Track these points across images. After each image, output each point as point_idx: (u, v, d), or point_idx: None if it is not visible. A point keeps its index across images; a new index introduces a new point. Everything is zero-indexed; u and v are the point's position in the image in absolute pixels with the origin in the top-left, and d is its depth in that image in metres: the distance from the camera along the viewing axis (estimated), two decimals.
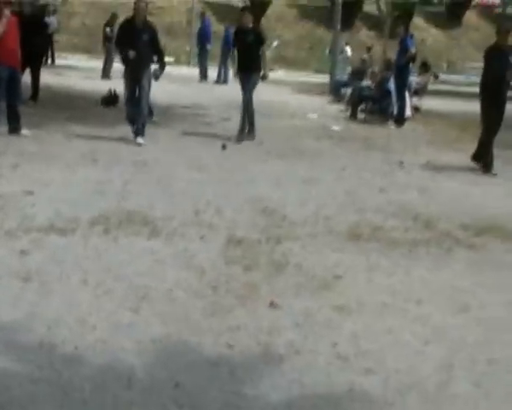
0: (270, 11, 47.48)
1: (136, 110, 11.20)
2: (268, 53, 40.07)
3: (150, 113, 12.31)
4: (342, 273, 5.75)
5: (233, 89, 23.38)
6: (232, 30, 27.29)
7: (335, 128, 14.95)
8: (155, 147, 11.02)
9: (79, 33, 42.93)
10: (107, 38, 23.99)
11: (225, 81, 25.12)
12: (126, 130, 11.58)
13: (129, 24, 11.22)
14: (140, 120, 11.20)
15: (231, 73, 25.59)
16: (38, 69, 15.12)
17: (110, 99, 15.56)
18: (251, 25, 12.46)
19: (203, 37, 26.37)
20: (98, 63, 31.32)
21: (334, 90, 21.96)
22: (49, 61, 29.39)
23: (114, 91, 15.68)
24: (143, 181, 8.57)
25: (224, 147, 11.24)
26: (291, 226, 7.06)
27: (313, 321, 4.77)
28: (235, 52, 12.72)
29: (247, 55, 12.22)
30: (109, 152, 10.28)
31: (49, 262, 5.49)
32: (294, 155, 11.25)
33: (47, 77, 19.63)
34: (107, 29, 24.04)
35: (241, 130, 12.38)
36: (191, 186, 8.45)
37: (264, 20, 47.13)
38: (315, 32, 46.26)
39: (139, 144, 10.98)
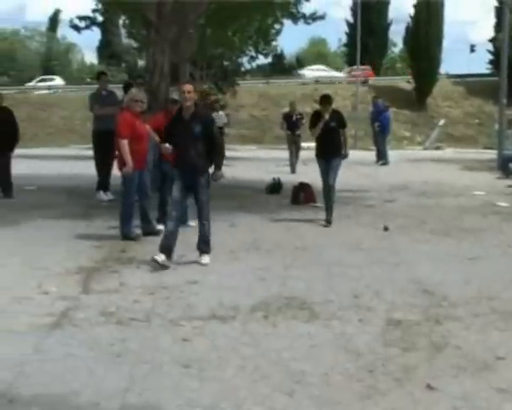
0: (436, 90, 47.27)
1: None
2: (435, 131, 39.92)
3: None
4: (505, 354, 5.55)
5: (396, 169, 23.54)
6: (381, 104, 27.83)
7: (503, 204, 14.55)
8: (316, 231, 11.15)
9: (248, 125, 44.37)
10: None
11: (385, 162, 25.35)
12: (288, 215, 11.77)
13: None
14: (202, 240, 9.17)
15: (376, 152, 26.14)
16: None
17: (274, 187, 15.98)
18: (331, 109, 12.09)
19: (375, 120, 26.72)
20: (265, 153, 32.33)
21: (502, 165, 21.44)
22: None
23: (278, 179, 16.11)
24: (303, 266, 8.68)
25: (386, 228, 11.20)
26: (452, 307, 6.91)
27: (472, 405, 4.63)
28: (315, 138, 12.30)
29: (329, 140, 11.91)
30: (271, 238, 10.49)
31: (209, 349, 5.64)
32: (458, 233, 11.04)
33: None
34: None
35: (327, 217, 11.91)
36: (351, 269, 8.46)
37: (430, 99, 47.03)
38: (483, 108, 45.52)
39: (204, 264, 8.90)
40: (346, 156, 12.13)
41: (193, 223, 11.37)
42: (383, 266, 8.75)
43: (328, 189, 11.91)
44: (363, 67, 49.90)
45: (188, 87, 8.88)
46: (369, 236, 10.80)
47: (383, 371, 5.19)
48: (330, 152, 11.94)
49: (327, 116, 11.90)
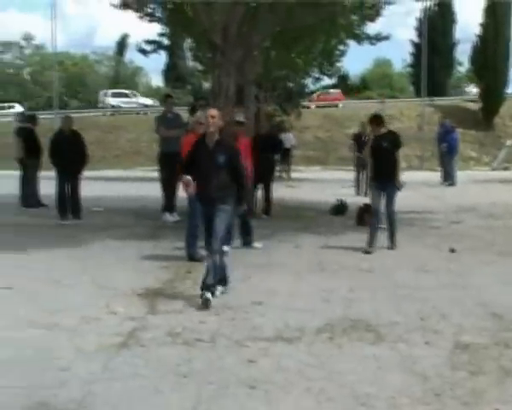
0: (503, 109, 46.55)
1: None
2: (502, 152, 39.26)
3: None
4: None
5: (463, 190, 23.24)
6: (448, 124, 27.58)
7: None
8: (382, 253, 11.07)
9: (313, 146, 44.36)
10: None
11: (452, 183, 25.12)
12: (353, 238, 11.73)
13: None
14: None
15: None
16: (270, 184, 15.79)
17: (339, 208, 15.94)
18: (385, 129, 11.59)
19: (442, 141, 26.52)
20: (330, 174, 32.31)
21: None
22: (285, 174, 30.72)
23: (343, 201, 16.07)
24: (368, 288, 8.63)
25: (452, 250, 11.06)
26: None
27: None
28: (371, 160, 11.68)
29: (382, 162, 11.27)
30: (336, 260, 10.46)
31: (275, 370, 5.65)
32: None
33: (281, 190, 20.54)
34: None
35: (370, 243, 11.27)
36: (416, 291, 8.38)
37: (497, 119, 46.32)
38: None
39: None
40: (399, 188, 11.38)
41: (258, 245, 11.45)
42: (450, 288, 8.65)
43: (388, 215, 11.44)
44: (334, 90, 50.62)
45: (212, 112, 8.31)
46: (436, 257, 10.68)
47: (451, 395, 5.13)
48: (383, 175, 11.24)
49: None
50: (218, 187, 8.06)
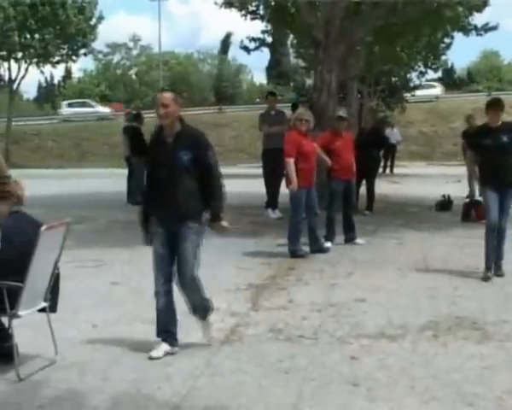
0: None
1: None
2: None
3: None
4: None
5: None
6: None
7: None
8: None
9: (417, 141, 43.77)
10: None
11: None
12: (459, 233, 11.48)
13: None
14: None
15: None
16: (373, 181, 15.64)
17: (444, 204, 15.66)
18: (500, 121, 8.93)
19: None
20: (435, 170, 31.77)
21: None
22: (388, 170, 30.43)
23: (449, 196, 15.78)
24: (474, 285, 8.44)
25: None
26: None
27: None
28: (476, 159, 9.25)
29: (500, 162, 8.79)
30: (441, 256, 10.27)
31: (378, 368, 5.58)
32: None
33: (384, 186, 20.35)
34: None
35: (488, 267, 8.88)
36: None
37: None
38: None
39: None
40: None
41: (361, 241, 11.37)
42: None
43: (499, 231, 8.93)
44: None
45: (164, 98, 5.93)
46: None
47: None
48: (504, 180, 8.83)
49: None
50: (184, 197, 5.92)
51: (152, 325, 6.18)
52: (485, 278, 8.71)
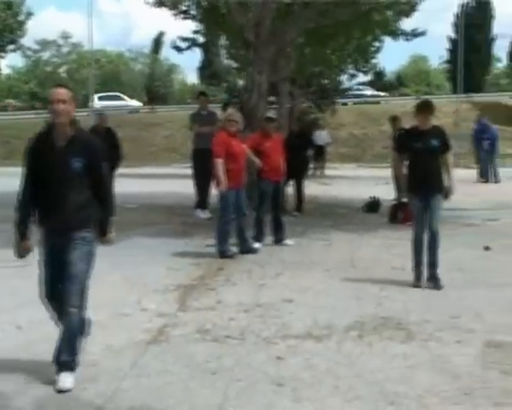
0: None
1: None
2: None
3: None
4: None
5: (500, 187, 22.98)
6: (485, 121, 27.26)
7: None
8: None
9: (348, 143, 44.24)
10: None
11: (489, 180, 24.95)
12: (386, 234, 11.64)
13: None
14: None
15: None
16: (302, 182, 15.74)
17: (372, 205, 15.87)
18: (430, 124, 8.71)
19: (479, 138, 26.31)
20: (365, 172, 32.18)
21: None
22: (319, 172, 30.70)
23: (376, 198, 16.00)
24: (400, 286, 8.55)
25: (486, 248, 10.94)
26: None
27: None
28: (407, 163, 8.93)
29: (428, 167, 8.59)
30: (368, 257, 10.42)
31: (303, 368, 5.63)
32: None
33: (315, 187, 20.53)
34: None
35: (417, 277, 8.65)
36: (449, 289, 8.28)
37: None
38: None
39: None
40: (447, 195, 8.78)
41: (290, 242, 11.44)
42: (483, 286, 8.55)
43: (431, 235, 8.64)
44: None
45: (59, 94, 5.30)
46: (470, 256, 10.56)
47: (481, 394, 5.06)
48: (430, 185, 8.59)
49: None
50: (75, 206, 5.33)
51: None
52: (415, 286, 8.49)
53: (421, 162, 8.57)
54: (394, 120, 15.97)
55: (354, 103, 51.29)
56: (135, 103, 58.62)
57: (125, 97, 58.77)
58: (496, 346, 6.18)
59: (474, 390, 5.13)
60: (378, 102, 52.71)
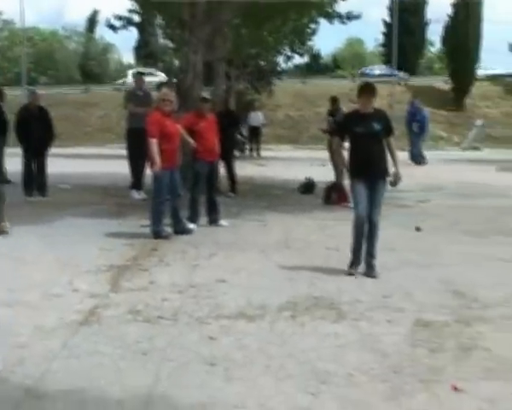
0: (474, 89, 46.84)
1: None
2: (472, 132, 39.56)
3: None
4: None
5: (432, 169, 23.36)
6: (418, 104, 27.82)
7: None
8: (347, 231, 10.98)
9: (284, 125, 44.37)
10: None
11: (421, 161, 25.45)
12: (320, 215, 11.72)
13: None
14: None
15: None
16: (231, 162, 15.62)
17: (307, 186, 15.96)
18: (371, 108, 8.29)
19: (411, 120, 26.66)
20: (301, 153, 32.33)
21: None
22: (254, 153, 30.74)
23: (311, 179, 16.08)
24: (333, 266, 8.62)
25: (418, 229, 11.12)
26: (482, 308, 6.83)
27: (499, 407, 4.57)
28: (347, 147, 8.60)
29: (372, 151, 8.23)
30: (302, 238, 10.48)
31: (236, 348, 5.64)
32: (493, 234, 10.92)
33: (250, 169, 20.55)
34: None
35: (352, 263, 8.35)
36: (381, 269, 8.35)
37: (468, 99, 46.59)
38: None
39: None
40: (396, 182, 8.53)
41: (225, 222, 11.45)
42: (414, 266, 8.67)
43: (371, 226, 8.39)
44: None
45: None
46: (402, 236, 10.71)
47: (409, 372, 5.15)
48: (375, 170, 8.26)
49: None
50: None
51: (7, 307, 6.02)
52: (349, 274, 8.14)
53: (363, 147, 8.17)
54: (334, 100, 16.01)
55: None
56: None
57: (160, 73, 56.46)
58: (424, 325, 6.28)
59: (403, 368, 5.21)
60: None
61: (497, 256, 9.30)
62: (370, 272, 8.20)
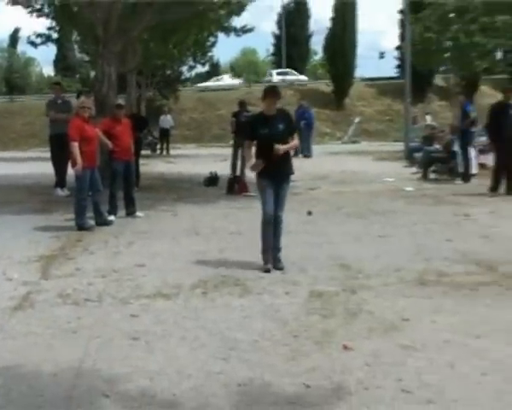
0: (352, 91, 47.80)
1: None
2: (352, 128, 40.32)
3: None
4: (409, 316, 5.67)
5: (318, 161, 23.74)
6: (305, 104, 28.46)
7: (409, 189, 14.82)
8: (249, 217, 10.97)
9: (189, 126, 44.14)
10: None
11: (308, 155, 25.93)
12: (224, 204, 11.76)
13: None
14: None
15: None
16: (138, 160, 15.35)
17: (211, 179, 15.96)
18: (275, 108, 7.68)
19: (299, 118, 26.91)
20: (205, 151, 32.28)
21: (408, 155, 21.82)
22: (165, 152, 30.51)
23: (215, 173, 16.09)
24: (237, 248, 8.69)
25: (309, 213, 11.29)
26: (366, 278, 7.02)
27: (381, 360, 4.71)
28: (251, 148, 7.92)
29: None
30: (209, 225, 10.49)
31: (155, 323, 5.62)
32: (371, 215, 11.20)
33: (161, 166, 20.39)
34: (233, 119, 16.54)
35: (265, 261, 7.65)
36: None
37: (347, 100, 47.51)
38: (392, 107, 46.12)
39: None
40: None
41: (141, 214, 11.35)
42: (307, 245, 8.81)
43: (276, 222, 7.82)
44: None
45: None
46: (296, 220, 10.76)
47: (306, 335, 5.25)
48: (280, 170, 7.69)
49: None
50: None
51: None
52: (265, 271, 7.44)
53: (269, 148, 7.44)
54: (241, 104, 16.21)
55: None
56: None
57: (295, 72, 53.63)
58: (317, 295, 6.39)
59: (300, 333, 5.31)
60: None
61: (374, 233, 9.56)
62: (277, 264, 7.63)
